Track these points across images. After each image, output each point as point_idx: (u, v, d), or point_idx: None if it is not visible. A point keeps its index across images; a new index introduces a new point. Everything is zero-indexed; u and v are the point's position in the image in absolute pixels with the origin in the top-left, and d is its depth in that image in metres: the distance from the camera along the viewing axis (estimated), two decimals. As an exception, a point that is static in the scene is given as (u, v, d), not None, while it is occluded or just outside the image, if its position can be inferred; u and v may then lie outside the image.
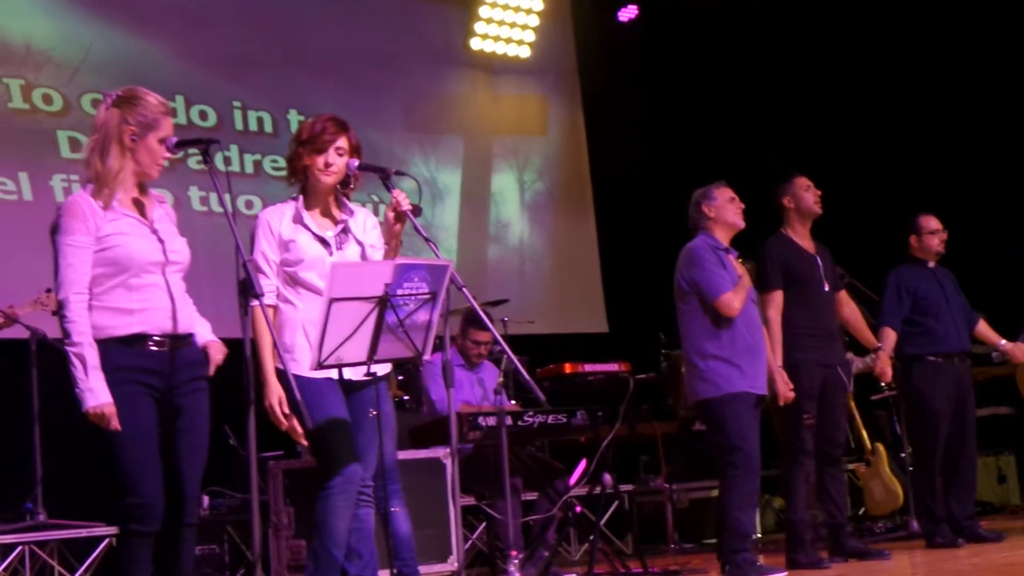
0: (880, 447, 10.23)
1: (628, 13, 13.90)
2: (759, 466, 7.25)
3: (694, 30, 13.68)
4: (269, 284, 5.38)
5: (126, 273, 4.86)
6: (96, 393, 4.69)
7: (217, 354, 5.16)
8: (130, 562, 4.80)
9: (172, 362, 4.93)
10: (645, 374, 9.01)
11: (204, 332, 5.20)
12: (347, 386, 5.39)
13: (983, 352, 9.52)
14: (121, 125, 4.92)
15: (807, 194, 8.18)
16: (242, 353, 4.85)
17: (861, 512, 10.69)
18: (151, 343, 4.87)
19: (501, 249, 13.05)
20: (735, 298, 7.15)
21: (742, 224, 7.45)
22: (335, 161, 5.51)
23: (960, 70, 13.02)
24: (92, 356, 4.72)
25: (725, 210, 7.41)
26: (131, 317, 4.85)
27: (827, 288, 8.11)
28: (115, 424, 4.71)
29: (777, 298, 7.86)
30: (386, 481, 5.49)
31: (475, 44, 13.13)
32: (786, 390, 7.52)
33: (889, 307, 8.83)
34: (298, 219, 5.49)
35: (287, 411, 5.23)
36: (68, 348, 4.75)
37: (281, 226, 5.48)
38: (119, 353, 4.78)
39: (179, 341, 4.98)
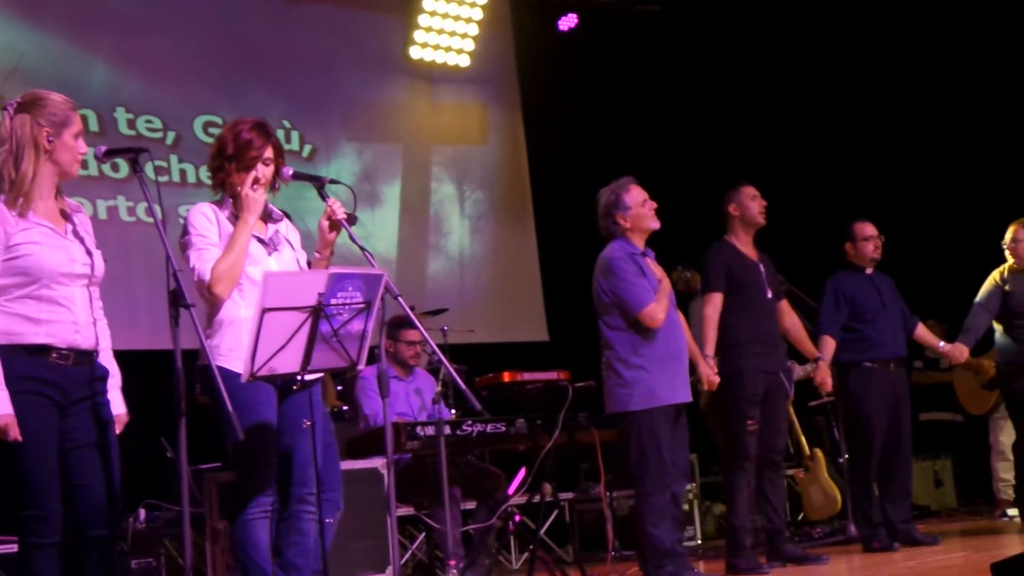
0: (818, 453, 10.27)
1: (568, 22, 13.92)
2: (675, 478, 7.19)
3: (633, 38, 13.73)
4: (211, 261, 5.29)
5: (35, 284, 4.77)
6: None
7: (119, 427, 5.14)
8: (34, 574, 4.73)
9: (74, 377, 4.86)
10: (584, 382, 9.00)
11: (116, 401, 5.14)
12: (281, 391, 5.35)
13: (935, 357, 9.60)
14: (35, 128, 4.84)
15: (753, 203, 8.23)
16: (173, 364, 4.81)
17: (800, 517, 10.74)
18: (54, 355, 4.79)
19: (441, 258, 13.02)
20: (659, 309, 7.07)
21: (657, 225, 7.32)
22: (264, 174, 5.46)
23: (896, 76, 13.14)
24: None
25: (640, 217, 7.27)
26: (37, 327, 4.76)
27: (770, 295, 8.17)
28: (15, 435, 4.62)
29: (716, 299, 7.94)
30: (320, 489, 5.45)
31: (414, 53, 13.09)
32: (711, 374, 7.56)
33: (827, 315, 8.88)
34: (234, 219, 5.43)
35: None
36: None
37: (220, 221, 5.41)
38: (22, 362, 4.70)
39: (83, 356, 4.90)
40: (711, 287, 8.00)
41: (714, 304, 7.96)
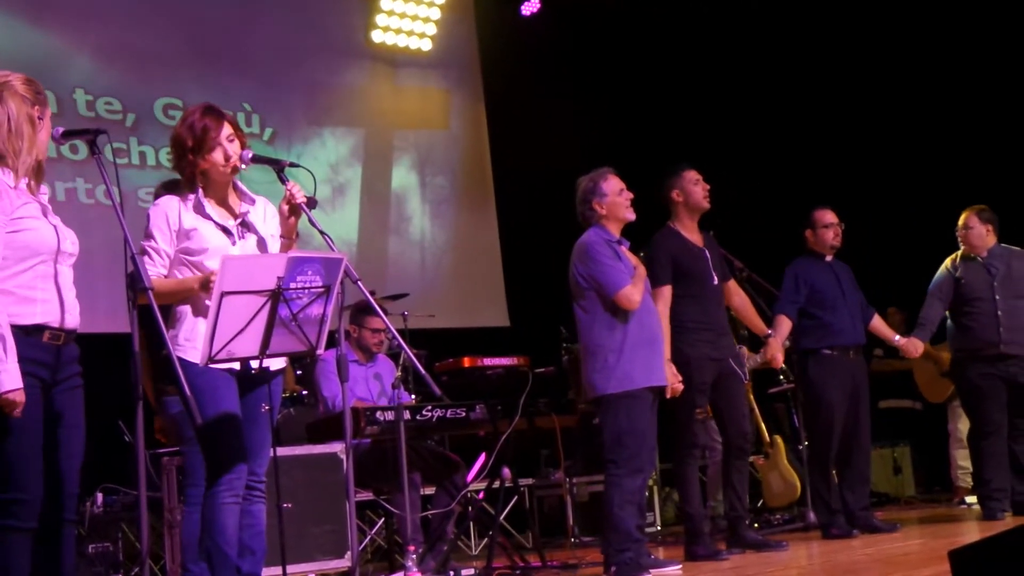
0: (778, 440, 10.30)
1: (531, 7, 13.93)
2: (646, 463, 7.19)
3: (595, 25, 13.72)
4: (154, 271, 5.25)
5: (35, 259, 4.72)
6: (13, 376, 4.53)
7: None
8: (8, 559, 4.65)
9: (60, 357, 4.81)
10: (545, 368, 8.99)
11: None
12: (242, 379, 5.32)
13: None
14: (27, 105, 4.80)
15: (696, 188, 8.17)
16: (131, 348, 4.77)
17: (760, 504, 10.77)
18: (47, 335, 4.74)
19: (402, 243, 13.01)
20: (634, 291, 7.07)
21: (632, 217, 7.32)
22: (232, 151, 5.43)
23: (858, 64, 13.18)
24: (11, 337, 4.57)
25: (616, 206, 7.28)
26: (33, 307, 4.70)
27: (716, 281, 8.14)
28: (20, 412, 4.57)
29: (666, 293, 7.87)
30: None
31: (376, 37, 13.07)
32: (675, 381, 7.52)
33: (785, 296, 8.88)
34: (199, 208, 5.39)
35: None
36: None
37: (181, 215, 5.37)
38: (18, 342, 4.61)
39: (70, 336, 4.87)
40: (659, 281, 7.87)
41: (664, 299, 7.86)
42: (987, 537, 3.51)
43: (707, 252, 8.17)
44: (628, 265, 7.19)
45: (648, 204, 7.94)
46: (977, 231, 9.27)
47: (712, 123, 13.42)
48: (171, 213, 5.37)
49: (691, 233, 8.19)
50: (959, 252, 9.34)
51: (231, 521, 5.21)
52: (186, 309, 5.30)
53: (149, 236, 5.34)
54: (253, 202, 5.57)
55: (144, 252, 5.29)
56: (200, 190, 5.43)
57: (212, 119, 5.42)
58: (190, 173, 5.44)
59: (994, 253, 9.27)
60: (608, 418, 7.11)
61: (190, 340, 5.23)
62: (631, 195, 7.35)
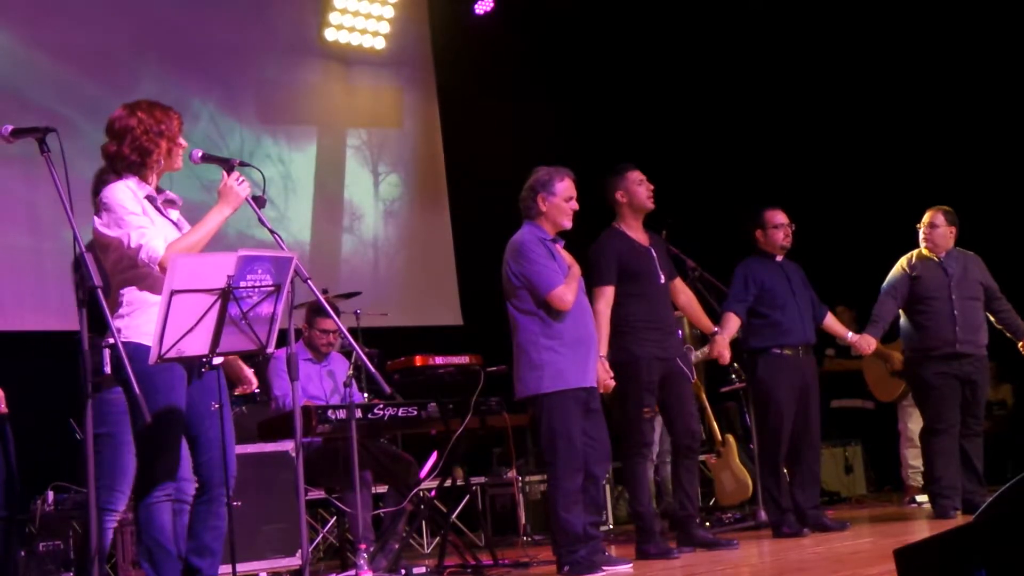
0: (730, 438, 10.34)
1: (484, 6, 13.90)
2: (595, 461, 7.16)
3: (549, 24, 13.73)
4: (161, 242, 5.16)
5: None
6: None
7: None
8: None
9: None
10: (497, 366, 8.99)
11: None
12: (188, 372, 5.28)
13: (846, 344, 9.68)
14: None
15: (639, 188, 8.16)
16: (79, 346, 4.75)
17: (712, 503, 10.80)
18: None
19: (355, 241, 12.98)
20: (567, 291, 7.05)
21: (569, 226, 7.31)
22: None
23: (808, 61, 13.23)
24: None
25: (558, 209, 7.26)
26: None
27: (663, 280, 8.14)
28: None
29: (608, 293, 7.86)
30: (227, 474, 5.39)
31: (330, 35, 13.05)
32: (606, 378, 7.49)
33: (734, 294, 8.90)
34: (150, 197, 5.35)
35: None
36: None
37: (140, 199, 5.29)
38: None
39: None
40: (602, 280, 7.88)
41: (606, 299, 7.85)
42: (932, 536, 3.54)
43: (653, 251, 8.16)
44: (562, 264, 7.18)
45: (600, 203, 7.97)
46: (941, 231, 9.32)
47: (664, 122, 13.46)
48: (136, 194, 5.29)
49: (636, 233, 8.18)
50: (915, 252, 9.39)
51: (166, 517, 5.20)
52: (140, 299, 5.23)
53: (133, 212, 5.19)
54: (176, 197, 5.53)
55: (127, 224, 5.15)
56: (136, 179, 5.38)
57: (177, 114, 5.43)
58: (155, 157, 5.36)
59: (951, 255, 9.34)
60: (542, 420, 7.08)
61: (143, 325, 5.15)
62: (576, 206, 7.33)
